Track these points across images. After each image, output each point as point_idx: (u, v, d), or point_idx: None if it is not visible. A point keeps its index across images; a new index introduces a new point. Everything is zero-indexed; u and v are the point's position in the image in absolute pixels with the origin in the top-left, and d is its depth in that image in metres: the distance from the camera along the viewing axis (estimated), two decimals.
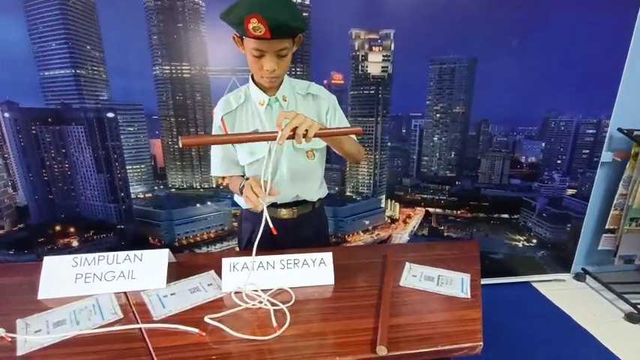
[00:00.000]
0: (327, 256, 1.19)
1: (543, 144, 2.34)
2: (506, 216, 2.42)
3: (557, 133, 2.31)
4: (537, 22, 2.10)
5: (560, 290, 2.53)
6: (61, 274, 1.11)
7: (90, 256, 1.15)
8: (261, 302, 1.04)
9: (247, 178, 1.27)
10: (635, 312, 2.22)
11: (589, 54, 2.14)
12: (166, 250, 1.19)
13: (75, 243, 2.19)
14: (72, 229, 2.17)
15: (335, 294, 1.13)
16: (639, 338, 2.12)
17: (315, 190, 1.41)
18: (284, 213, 1.38)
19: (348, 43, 2.08)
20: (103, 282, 1.12)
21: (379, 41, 2.05)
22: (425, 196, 2.35)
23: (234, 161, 1.34)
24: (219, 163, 1.35)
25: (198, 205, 2.22)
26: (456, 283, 1.19)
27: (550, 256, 2.55)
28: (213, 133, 1.32)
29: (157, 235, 2.25)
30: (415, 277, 1.22)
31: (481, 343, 0.93)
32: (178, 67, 1.97)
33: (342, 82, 2.12)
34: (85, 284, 1.11)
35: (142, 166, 2.12)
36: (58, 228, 2.15)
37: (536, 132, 2.32)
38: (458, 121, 2.24)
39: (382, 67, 2.10)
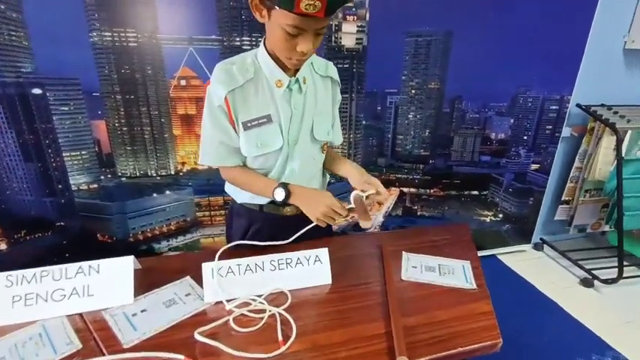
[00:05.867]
0: (323, 253, 1.07)
1: (512, 120, 2.37)
2: (476, 193, 2.45)
3: (525, 110, 2.35)
4: None
5: (521, 260, 2.66)
6: None
7: (29, 272, 0.91)
8: (260, 313, 0.90)
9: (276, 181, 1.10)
10: (590, 277, 2.39)
11: (555, 30, 2.16)
12: (131, 258, 0.98)
13: (2, 246, 1.84)
14: None
15: (335, 294, 1.01)
16: (594, 301, 2.29)
17: (320, 184, 1.26)
18: (288, 210, 1.20)
19: None
20: (51, 303, 0.90)
21: (354, 10, 1.88)
22: (399, 175, 2.30)
23: (234, 149, 1.10)
24: (215, 149, 1.08)
25: (154, 194, 1.96)
26: (458, 272, 1.13)
27: (514, 229, 2.66)
28: (206, 113, 1.05)
29: (107, 230, 1.97)
30: (415, 268, 1.14)
31: (500, 340, 0.87)
32: (122, 34, 1.65)
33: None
34: (25, 308, 0.88)
35: (84, 152, 1.80)
36: None
37: (505, 108, 2.33)
38: (433, 97, 2.17)
39: (357, 39, 1.94)
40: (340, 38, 1.93)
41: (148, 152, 1.87)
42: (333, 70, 1.16)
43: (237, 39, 1.78)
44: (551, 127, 2.40)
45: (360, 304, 0.97)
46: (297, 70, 1.06)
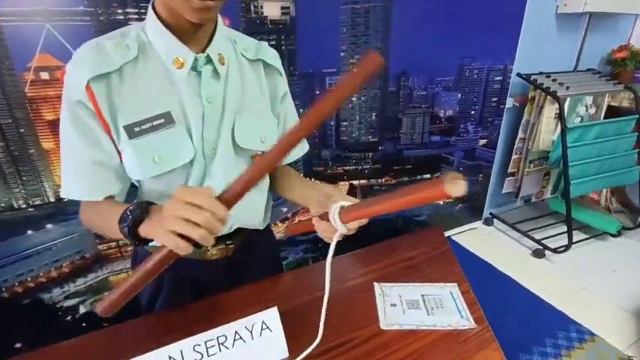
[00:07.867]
0: (271, 316, 0.73)
1: (459, 95, 2.19)
2: (428, 176, 2.28)
3: (471, 82, 2.18)
4: None
5: (474, 238, 2.59)
6: None
7: None
8: None
9: (144, 205, 0.62)
10: (541, 248, 2.38)
11: None
12: None
13: None
14: None
15: None
16: (548, 272, 2.28)
17: (261, 213, 0.90)
18: (213, 253, 0.85)
19: None
20: None
21: None
22: (347, 167, 2.01)
23: (113, 171, 0.72)
24: (81, 173, 0.70)
25: (29, 231, 1.44)
26: (449, 304, 0.88)
27: (466, 208, 2.57)
28: (64, 115, 0.68)
29: None
30: (395, 306, 0.87)
31: None
32: None
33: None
34: None
35: None
36: None
37: (452, 82, 2.14)
38: (377, 75, 1.90)
39: (282, 8, 1.57)
40: (262, 8, 1.54)
41: (7, 176, 1.32)
42: (266, 52, 0.81)
43: (119, 11, 1.31)
44: (496, 98, 2.28)
45: None
46: (207, 46, 0.71)
